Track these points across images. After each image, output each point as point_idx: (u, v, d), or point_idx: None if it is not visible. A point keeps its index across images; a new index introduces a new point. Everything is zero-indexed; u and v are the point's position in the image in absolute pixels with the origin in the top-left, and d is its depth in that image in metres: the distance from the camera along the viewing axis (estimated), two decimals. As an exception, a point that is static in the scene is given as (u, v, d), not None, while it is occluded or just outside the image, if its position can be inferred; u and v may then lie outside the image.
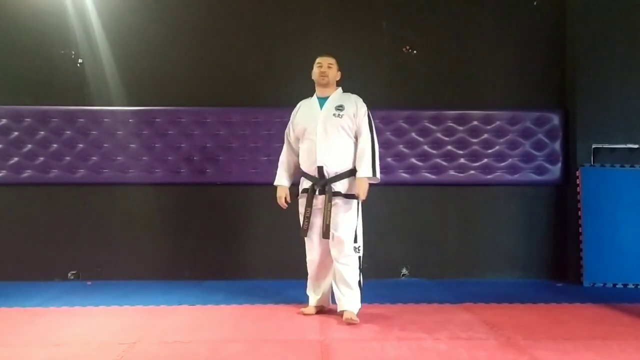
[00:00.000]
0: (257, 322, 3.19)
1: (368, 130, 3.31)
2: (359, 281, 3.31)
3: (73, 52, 4.74)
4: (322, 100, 3.40)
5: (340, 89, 3.46)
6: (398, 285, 4.44)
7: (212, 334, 2.97)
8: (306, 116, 3.41)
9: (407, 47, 4.84)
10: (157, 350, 2.68)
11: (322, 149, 3.26)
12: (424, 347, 2.71)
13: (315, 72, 3.41)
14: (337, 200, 3.27)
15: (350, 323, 3.15)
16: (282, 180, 3.51)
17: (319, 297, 3.47)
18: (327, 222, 3.21)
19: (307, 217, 3.30)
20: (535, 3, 4.86)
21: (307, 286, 3.50)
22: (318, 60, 3.42)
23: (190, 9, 4.81)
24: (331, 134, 3.28)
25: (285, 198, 3.47)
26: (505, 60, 4.86)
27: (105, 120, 4.68)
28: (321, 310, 3.47)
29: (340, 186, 3.29)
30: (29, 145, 4.65)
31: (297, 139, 3.46)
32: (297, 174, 3.51)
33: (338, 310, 3.31)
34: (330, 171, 3.28)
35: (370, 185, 3.30)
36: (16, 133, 4.64)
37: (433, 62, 4.86)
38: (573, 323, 3.22)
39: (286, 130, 3.56)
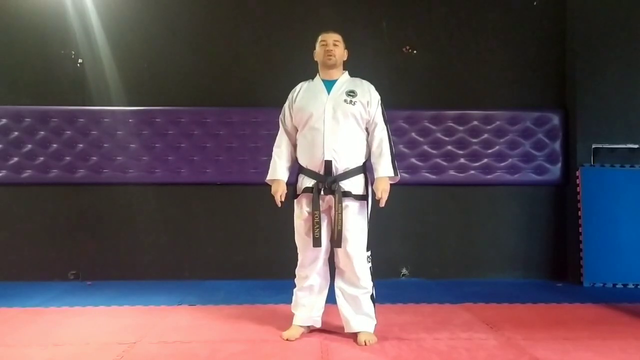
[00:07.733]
0: (257, 322, 3.18)
1: (383, 122, 2.87)
2: (372, 295, 2.87)
3: (73, 52, 4.75)
4: (329, 84, 2.91)
5: (347, 72, 2.99)
6: (398, 285, 4.44)
7: (212, 334, 2.97)
8: (311, 100, 2.87)
9: (407, 47, 4.85)
10: (157, 350, 2.68)
11: (331, 139, 2.76)
12: (424, 347, 2.71)
13: (320, 52, 2.94)
14: (347, 203, 2.78)
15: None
16: (279, 173, 2.93)
17: (313, 314, 2.95)
18: (339, 228, 2.74)
19: (318, 223, 2.76)
20: (535, 3, 4.86)
21: (295, 303, 2.97)
22: (321, 38, 2.94)
23: (190, 9, 4.82)
24: (342, 122, 2.79)
25: (283, 194, 2.91)
26: (505, 60, 4.86)
27: (105, 120, 4.68)
28: (307, 330, 2.97)
29: (350, 185, 2.80)
30: (29, 145, 4.65)
31: (295, 128, 2.94)
32: (294, 168, 2.99)
33: (346, 332, 2.87)
34: (339, 167, 2.78)
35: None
36: (16, 133, 4.64)
37: (433, 62, 4.87)
38: (573, 323, 3.21)
39: (281, 116, 3.01)
